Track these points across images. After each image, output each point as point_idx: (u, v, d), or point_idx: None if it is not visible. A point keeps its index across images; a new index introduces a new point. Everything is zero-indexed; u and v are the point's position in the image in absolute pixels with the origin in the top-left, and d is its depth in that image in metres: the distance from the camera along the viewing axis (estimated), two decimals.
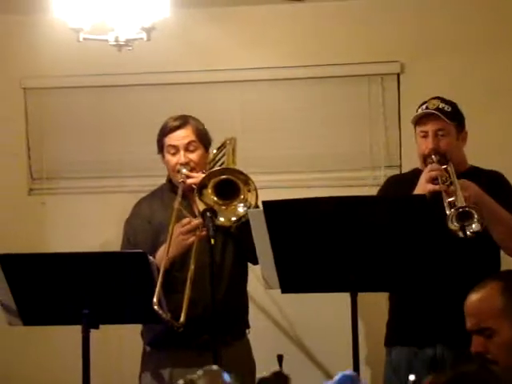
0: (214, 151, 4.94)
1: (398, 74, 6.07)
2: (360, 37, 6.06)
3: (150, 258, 4.26)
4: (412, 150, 5.57)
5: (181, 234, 4.52)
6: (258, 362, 5.14)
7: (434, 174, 4.53)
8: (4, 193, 6.20)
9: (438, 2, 5.97)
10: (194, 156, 4.78)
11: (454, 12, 5.94)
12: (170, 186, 4.93)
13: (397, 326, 4.86)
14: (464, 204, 4.20)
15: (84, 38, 4.46)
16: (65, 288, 4.25)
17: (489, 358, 3.09)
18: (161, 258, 4.45)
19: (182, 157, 4.75)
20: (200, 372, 0.83)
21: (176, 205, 4.58)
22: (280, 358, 5.40)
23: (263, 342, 5.65)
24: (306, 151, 6.12)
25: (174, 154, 4.80)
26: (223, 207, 4.50)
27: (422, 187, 4.54)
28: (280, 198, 4.28)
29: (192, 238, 4.49)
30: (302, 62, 6.10)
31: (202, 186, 4.46)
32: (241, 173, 4.50)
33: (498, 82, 5.86)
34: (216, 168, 4.69)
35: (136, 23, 4.42)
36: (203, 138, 4.84)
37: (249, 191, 4.43)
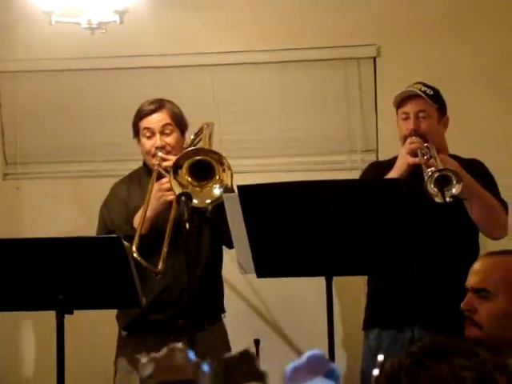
0: (192, 136, 4.95)
1: (375, 58, 6.08)
2: (336, 20, 6.07)
3: (125, 243, 4.26)
4: (388, 135, 5.65)
5: (160, 190, 4.59)
6: (235, 346, 5.19)
7: (414, 146, 4.59)
8: None
9: None
10: (169, 139, 4.81)
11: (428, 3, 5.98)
12: (147, 169, 4.95)
13: (375, 308, 4.91)
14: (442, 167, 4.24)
15: (56, 21, 4.46)
16: (39, 273, 4.22)
17: (474, 318, 3.22)
18: (139, 219, 4.53)
19: (157, 140, 4.78)
20: (164, 350, 0.84)
21: (150, 187, 4.63)
22: (257, 343, 5.47)
23: (239, 327, 5.69)
24: (281, 135, 6.16)
25: (149, 138, 4.82)
26: (198, 189, 4.49)
27: (403, 159, 4.62)
28: (255, 183, 4.24)
29: (172, 196, 4.53)
30: (277, 46, 6.11)
31: (176, 166, 4.45)
32: (215, 152, 4.53)
33: (477, 66, 5.88)
34: (190, 148, 4.69)
35: (109, 6, 4.42)
36: (179, 122, 4.87)
37: (223, 171, 4.44)
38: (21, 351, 5.87)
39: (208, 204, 4.48)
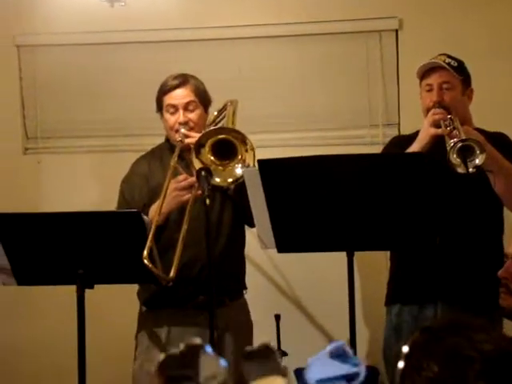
0: (215, 113, 4.94)
1: (397, 31, 6.04)
2: None
3: (145, 217, 4.29)
4: (411, 108, 5.64)
5: (176, 189, 4.54)
6: (257, 321, 5.23)
7: (437, 117, 4.56)
8: (1, 152, 6.23)
9: None
10: (193, 115, 4.80)
11: None
12: (169, 145, 4.95)
13: (397, 284, 4.91)
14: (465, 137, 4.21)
15: None
16: (59, 248, 4.25)
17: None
18: (154, 214, 4.46)
19: (181, 116, 4.77)
20: (181, 345, 0.82)
21: (172, 163, 4.60)
22: (277, 318, 5.48)
23: (260, 302, 5.70)
24: (302, 110, 6.11)
25: (172, 114, 4.82)
26: (220, 167, 4.48)
27: (426, 131, 4.60)
28: (275, 157, 4.22)
29: (187, 196, 4.51)
30: (298, 19, 6.09)
31: (199, 144, 4.44)
32: (238, 132, 4.50)
33: (498, 37, 5.86)
34: (213, 127, 4.68)
35: None
36: (203, 98, 4.87)
37: (246, 151, 4.42)
38: (43, 325, 5.90)
39: (230, 183, 4.47)
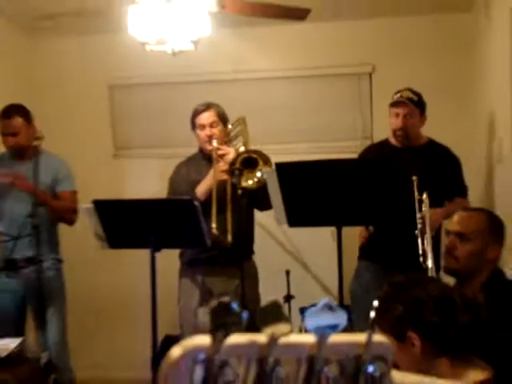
0: (230, 126, 4.87)
1: (370, 74, 6.03)
2: (342, 47, 6.01)
3: (196, 202, 4.25)
4: (380, 127, 5.71)
5: (217, 171, 4.59)
6: (273, 275, 5.23)
7: None
8: (98, 157, 6.20)
9: (399, 22, 5.88)
10: (215, 131, 4.79)
11: (409, 30, 5.90)
12: (202, 153, 4.95)
13: (368, 246, 4.86)
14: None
15: (150, 49, 4.44)
16: (139, 222, 4.27)
17: (454, 253, 3.26)
18: (201, 190, 4.63)
19: (208, 131, 4.78)
20: (214, 302, 0.76)
21: (214, 166, 4.65)
22: (287, 273, 5.43)
23: (276, 262, 5.66)
24: (303, 127, 6.11)
25: (202, 129, 4.81)
26: (248, 173, 4.48)
27: None
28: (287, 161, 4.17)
29: (225, 176, 4.57)
30: (301, 66, 6.10)
31: (234, 159, 4.46)
32: (262, 153, 4.49)
33: (447, 78, 5.86)
34: (250, 148, 4.62)
35: (186, 38, 4.38)
36: (222, 118, 4.85)
37: (265, 164, 4.41)
38: (122, 276, 5.89)
39: (251, 184, 4.44)
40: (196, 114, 4.86)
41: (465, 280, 3.23)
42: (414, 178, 4.27)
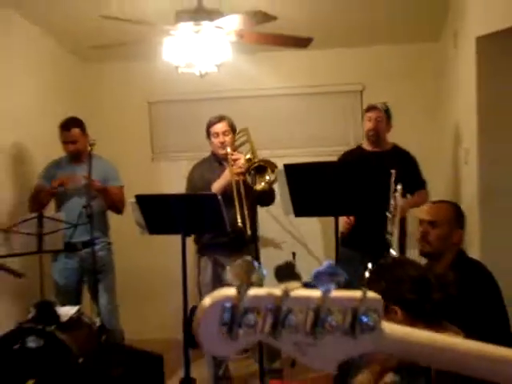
0: (235, 136, 4.88)
1: (361, 92, 6.03)
2: (338, 70, 6.02)
3: (219, 197, 4.23)
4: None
5: (231, 172, 4.58)
6: (283, 256, 5.21)
7: None
8: (139, 160, 6.19)
9: (384, 50, 5.88)
10: (227, 138, 4.79)
11: (391, 57, 5.92)
12: (214, 157, 4.93)
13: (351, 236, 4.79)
14: None
15: (181, 72, 4.44)
16: (172, 213, 4.23)
17: (427, 238, 3.28)
18: (217, 187, 4.62)
19: (221, 139, 4.78)
20: (239, 260, 0.78)
21: (228, 168, 4.67)
22: (294, 254, 5.39)
23: (285, 245, 5.65)
24: (306, 135, 6.10)
25: (216, 137, 4.81)
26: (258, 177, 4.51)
27: None
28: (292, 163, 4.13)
29: (240, 177, 4.57)
30: (305, 84, 6.09)
31: (249, 166, 4.48)
32: (271, 162, 4.48)
33: (418, 98, 5.88)
34: (263, 158, 4.56)
35: (211, 62, 4.38)
36: (232, 128, 4.85)
37: (272, 172, 4.40)
38: (164, 255, 5.85)
39: (263, 186, 4.45)
40: (210, 124, 4.85)
41: (435, 260, 3.25)
42: (393, 171, 4.27)
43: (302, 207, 4.04)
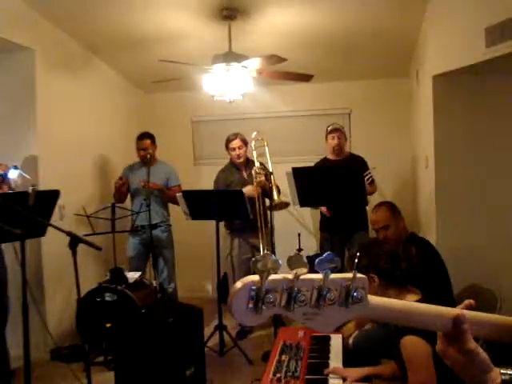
0: (253, 143, 4.72)
1: (349, 114, 5.94)
2: (331, 97, 5.95)
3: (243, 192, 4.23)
4: (355, 146, 5.53)
5: (251, 190, 4.52)
6: (291, 236, 5.15)
7: None
8: (184, 164, 6.05)
9: (366, 83, 5.81)
10: (241, 151, 4.78)
11: (371, 88, 5.83)
12: (232, 164, 4.91)
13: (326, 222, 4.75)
14: None
15: (216, 99, 4.43)
16: (209, 204, 4.24)
17: (388, 238, 3.18)
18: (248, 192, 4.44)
19: (237, 151, 4.78)
20: (262, 255, 0.77)
21: (245, 175, 4.73)
22: (299, 234, 5.32)
23: (291, 228, 5.62)
24: (307, 147, 5.99)
25: (232, 151, 4.80)
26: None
27: None
28: (297, 166, 4.10)
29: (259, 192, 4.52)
30: (306, 108, 6.02)
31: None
32: (279, 188, 4.50)
33: (391, 121, 5.77)
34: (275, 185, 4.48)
35: (237, 92, 4.36)
36: (245, 142, 4.81)
37: (278, 193, 4.44)
38: (199, 237, 5.84)
39: (277, 200, 4.38)
40: (228, 140, 4.82)
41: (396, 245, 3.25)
42: (375, 167, 4.50)
43: (305, 199, 4.02)
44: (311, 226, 5.95)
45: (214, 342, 4.29)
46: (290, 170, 3.96)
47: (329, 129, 4.96)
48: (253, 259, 0.77)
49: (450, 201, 4.12)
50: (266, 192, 4.47)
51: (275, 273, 0.79)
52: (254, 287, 0.79)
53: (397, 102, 5.75)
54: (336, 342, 2.64)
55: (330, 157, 4.94)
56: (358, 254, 2.18)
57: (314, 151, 5.83)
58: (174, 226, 5.18)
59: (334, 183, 3.88)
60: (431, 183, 4.27)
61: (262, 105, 5.88)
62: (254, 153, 4.65)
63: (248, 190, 4.49)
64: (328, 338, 2.67)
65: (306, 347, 2.53)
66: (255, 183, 4.49)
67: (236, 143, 4.77)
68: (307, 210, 5.82)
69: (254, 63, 4.06)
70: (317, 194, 3.99)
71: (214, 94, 4.34)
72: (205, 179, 6.12)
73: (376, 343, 2.82)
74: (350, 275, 0.87)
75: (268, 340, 4.45)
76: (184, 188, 4.64)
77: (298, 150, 6.02)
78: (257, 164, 4.61)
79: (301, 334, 2.74)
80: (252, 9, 4.21)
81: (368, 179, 4.51)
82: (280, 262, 0.79)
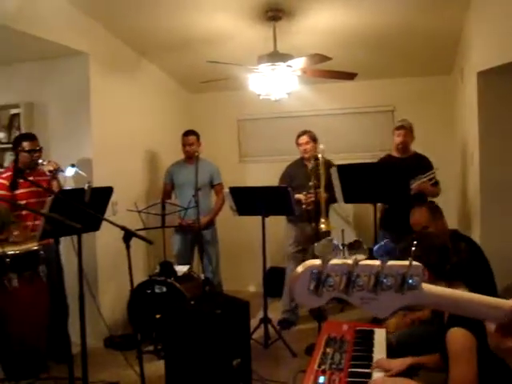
0: (321, 146, 4.69)
1: (392, 111, 5.87)
2: (375, 95, 5.88)
3: (289, 188, 4.23)
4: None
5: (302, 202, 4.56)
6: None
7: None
8: (230, 162, 6.15)
9: (409, 81, 5.73)
10: (308, 147, 4.77)
11: (415, 85, 5.73)
12: (301, 159, 4.91)
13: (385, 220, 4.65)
14: None
15: (262, 98, 4.46)
16: (255, 199, 4.25)
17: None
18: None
19: (304, 146, 4.80)
20: (323, 240, 0.78)
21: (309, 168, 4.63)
22: (343, 231, 5.24)
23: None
24: (352, 143, 5.98)
25: (300, 146, 4.82)
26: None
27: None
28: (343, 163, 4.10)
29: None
30: (351, 106, 5.98)
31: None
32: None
33: (435, 118, 5.67)
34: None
35: (283, 90, 4.37)
36: (313, 139, 4.83)
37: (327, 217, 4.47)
38: (245, 234, 5.88)
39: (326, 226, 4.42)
40: (298, 136, 4.88)
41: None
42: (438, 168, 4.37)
43: (349, 196, 4.01)
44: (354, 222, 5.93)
45: (258, 334, 4.32)
46: (335, 166, 3.95)
47: (396, 125, 4.83)
48: (315, 244, 0.80)
49: (495, 198, 4.01)
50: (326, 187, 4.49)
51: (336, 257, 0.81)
52: (315, 271, 0.82)
53: (440, 99, 5.64)
54: (380, 335, 2.63)
55: (395, 154, 4.76)
56: (415, 242, 2.18)
57: (358, 148, 5.80)
58: (221, 222, 5.25)
59: (378, 181, 3.84)
60: (476, 181, 4.17)
61: (307, 103, 5.86)
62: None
63: (300, 197, 4.55)
64: (372, 332, 2.66)
65: (350, 341, 2.53)
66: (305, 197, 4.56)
67: (303, 139, 4.84)
68: (350, 208, 5.79)
69: (299, 62, 4.06)
70: (361, 191, 3.96)
71: (260, 93, 4.36)
72: (250, 176, 6.16)
73: (419, 340, 2.79)
74: (406, 263, 0.88)
75: (311, 333, 4.46)
76: (229, 185, 4.69)
77: (342, 147, 5.98)
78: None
79: (345, 327, 2.73)
80: (296, 10, 4.22)
81: (431, 180, 4.37)
82: (341, 247, 0.81)
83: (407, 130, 4.67)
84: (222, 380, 3.30)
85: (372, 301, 0.86)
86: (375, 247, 0.84)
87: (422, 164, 4.54)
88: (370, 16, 4.31)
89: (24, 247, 3.25)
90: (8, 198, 3.70)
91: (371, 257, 0.84)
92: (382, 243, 0.86)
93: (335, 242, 0.81)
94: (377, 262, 0.85)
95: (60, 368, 3.52)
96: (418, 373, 2.30)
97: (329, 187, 4.44)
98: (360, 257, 0.83)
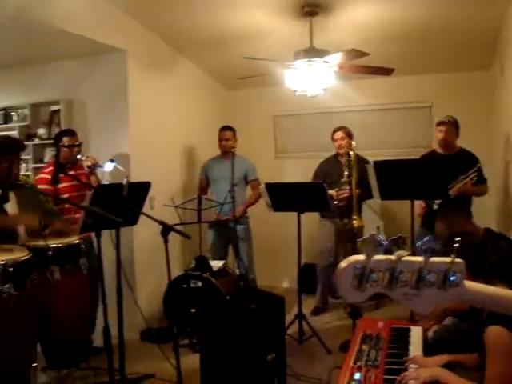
0: (353, 144, 4.71)
1: (430, 107, 5.76)
2: (412, 91, 5.79)
3: (325, 185, 4.22)
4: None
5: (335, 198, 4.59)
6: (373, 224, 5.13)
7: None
8: (266, 158, 6.19)
9: (447, 76, 5.63)
10: (342, 142, 4.79)
11: (452, 81, 5.63)
12: (335, 154, 4.93)
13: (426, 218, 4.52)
14: None
15: (298, 94, 4.45)
16: (291, 195, 4.24)
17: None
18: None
19: (339, 142, 4.83)
20: (368, 235, 0.80)
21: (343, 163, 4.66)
22: (378, 228, 5.17)
23: (372, 218, 5.53)
24: (388, 139, 5.91)
25: (336, 141, 4.85)
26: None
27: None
28: (380, 159, 4.03)
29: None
30: (388, 102, 5.91)
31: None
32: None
33: (474, 113, 5.51)
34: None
35: (319, 86, 4.36)
36: (349, 134, 4.84)
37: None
38: (272, 227, 5.90)
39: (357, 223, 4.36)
40: (333, 132, 4.90)
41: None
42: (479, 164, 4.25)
43: (386, 193, 3.95)
44: (387, 219, 5.85)
45: (293, 330, 4.34)
46: (372, 163, 3.92)
47: (437, 121, 4.66)
48: (360, 239, 0.81)
49: None
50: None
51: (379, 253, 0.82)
52: (359, 266, 0.83)
53: (479, 94, 5.52)
54: (416, 333, 2.62)
55: (439, 150, 4.62)
56: (457, 239, 2.16)
57: (395, 144, 5.74)
58: (255, 218, 5.27)
59: (417, 178, 3.78)
60: None
61: (343, 99, 5.82)
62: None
63: (332, 193, 4.55)
64: (408, 330, 2.65)
65: (385, 338, 2.53)
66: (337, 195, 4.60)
67: (338, 134, 4.86)
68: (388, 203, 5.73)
69: (336, 58, 4.04)
70: (398, 187, 3.91)
71: (296, 89, 4.36)
72: (286, 172, 6.17)
73: (457, 337, 2.76)
74: (448, 259, 0.89)
75: (345, 330, 4.45)
76: (265, 181, 4.70)
77: (380, 143, 5.92)
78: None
79: (380, 324, 2.73)
80: (333, 5, 4.20)
81: (472, 178, 4.23)
82: (385, 243, 0.82)
83: (448, 125, 4.49)
84: (257, 375, 3.33)
85: (415, 297, 0.87)
86: (419, 243, 0.85)
87: (467, 161, 4.39)
88: (407, 11, 4.26)
89: (66, 240, 3.33)
90: (51, 192, 3.80)
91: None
92: (426, 239, 0.86)
93: (380, 237, 0.82)
94: (419, 259, 0.86)
95: (98, 359, 3.61)
96: (455, 371, 2.28)
97: (361, 183, 4.43)
98: (403, 253, 0.84)
